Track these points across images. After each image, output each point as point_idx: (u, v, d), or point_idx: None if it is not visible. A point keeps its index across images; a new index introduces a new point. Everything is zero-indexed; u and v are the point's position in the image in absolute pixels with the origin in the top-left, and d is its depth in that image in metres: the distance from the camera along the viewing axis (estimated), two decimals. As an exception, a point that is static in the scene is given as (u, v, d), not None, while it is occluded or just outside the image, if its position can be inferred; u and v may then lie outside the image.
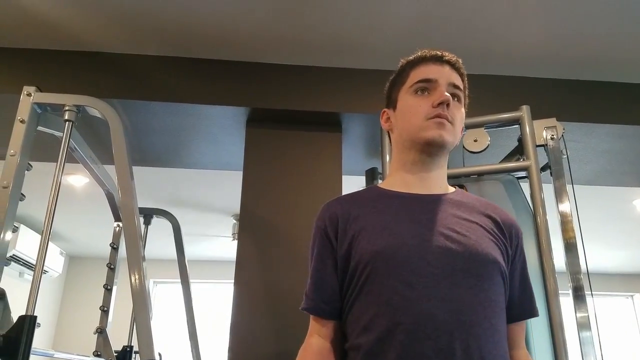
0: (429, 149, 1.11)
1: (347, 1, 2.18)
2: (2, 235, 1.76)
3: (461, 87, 1.16)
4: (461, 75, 1.18)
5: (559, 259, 1.84)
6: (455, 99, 1.13)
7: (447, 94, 1.10)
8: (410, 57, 1.20)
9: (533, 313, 1.13)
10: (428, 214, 1.07)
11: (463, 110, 1.16)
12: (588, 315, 1.85)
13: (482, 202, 1.17)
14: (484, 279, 1.00)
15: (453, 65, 1.16)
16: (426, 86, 1.13)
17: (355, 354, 1.00)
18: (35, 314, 1.70)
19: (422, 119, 1.10)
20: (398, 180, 1.16)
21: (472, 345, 0.93)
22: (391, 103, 1.22)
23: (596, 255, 5.54)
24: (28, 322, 1.65)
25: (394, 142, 1.21)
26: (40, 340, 1.54)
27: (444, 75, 1.13)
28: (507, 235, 1.11)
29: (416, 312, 0.95)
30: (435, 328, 0.93)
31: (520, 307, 1.11)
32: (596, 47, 2.43)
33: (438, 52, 1.16)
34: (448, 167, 2.02)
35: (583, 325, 1.84)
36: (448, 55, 1.16)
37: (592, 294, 1.97)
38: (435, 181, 1.15)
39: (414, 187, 1.13)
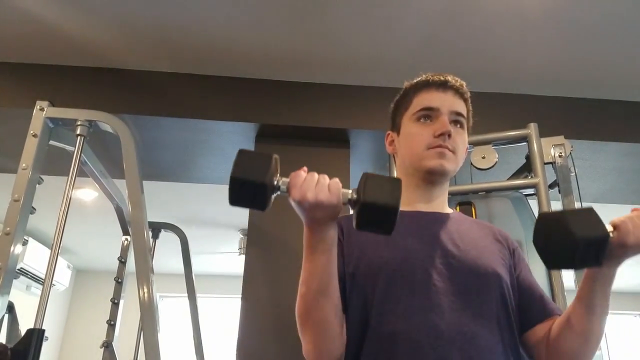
0: (430, 177, 1.13)
1: (356, 20, 2.21)
2: (12, 249, 1.77)
3: (464, 113, 1.16)
4: (465, 100, 1.18)
5: (568, 277, 1.83)
6: (458, 126, 1.14)
7: (448, 125, 1.11)
8: (414, 81, 1.20)
9: (554, 311, 1.08)
10: (431, 229, 1.10)
11: (465, 135, 1.17)
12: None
13: (479, 223, 1.21)
14: (486, 292, 1.02)
15: (457, 91, 1.16)
16: (429, 114, 1.14)
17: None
18: (43, 328, 1.70)
19: (424, 148, 1.11)
20: (402, 200, 1.17)
21: (473, 357, 0.94)
22: (395, 127, 1.23)
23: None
24: (36, 336, 1.65)
25: (398, 166, 1.23)
26: (45, 353, 1.55)
27: (447, 103, 1.13)
28: (504, 245, 1.14)
29: (418, 321, 0.96)
30: (437, 338, 0.94)
31: (537, 309, 1.08)
32: (604, 65, 2.44)
33: (442, 77, 1.16)
34: (456, 184, 2.05)
35: (593, 345, 1.82)
36: (452, 81, 1.16)
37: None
38: (437, 203, 1.17)
39: (418, 206, 1.15)
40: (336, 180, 0.90)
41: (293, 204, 0.90)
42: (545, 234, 0.91)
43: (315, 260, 0.94)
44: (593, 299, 0.95)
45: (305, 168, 0.91)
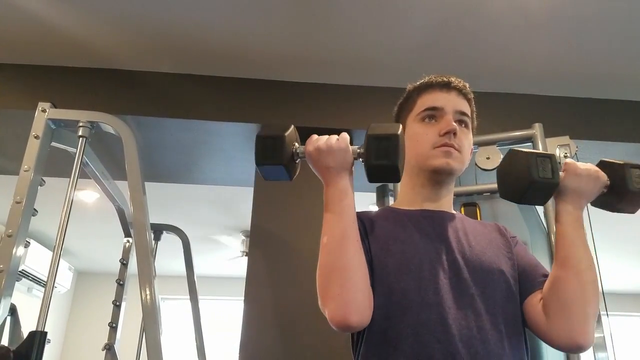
0: (437, 177, 1.14)
1: (359, 21, 2.20)
2: (14, 251, 1.76)
3: (468, 113, 1.17)
4: (468, 100, 1.19)
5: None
6: (463, 125, 1.15)
7: (453, 123, 1.11)
8: (417, 83, 1.21)
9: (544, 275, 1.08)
10: (438, 227, 1.11)
11: (470, 135, 1.18)
12: (604, 336, 1.82)
13: (482, 222, 1.23)
14: (492, 288, 1.03)
15: (460, 91, 1.17)
16: (433, 114, 1.14)
17: (365, 354, 1.00)
18: (45, 330, 1.69)
19: (429, 147, 1.12)
20: (409, 200, 1.19)
21: (480, 351, 0.94)
22: None
23: (611, 275, 5.46)
24: (38, 338, 1.64)
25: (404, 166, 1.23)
26: (47, 356, 1.56)
27: (451, 102, 1.14)
28: (506, 237, 1.15)
29: (426, 316, 0.97)
30: (444, 332, 0.95)
31: (531, 280, 1.08)
32: (610, 64, 2.43)
33: (444, 78, 1.17)
34: (461, 185, 2.03)
35: (599, 346, 1.81)
36: (455, 81, 1.17)
37: (607, 314, 1.94)
38: (443, 202, 1.18)
39: (425, 205, 1.16)
40: (344, 133, 1.04)
41: (309, 160, 1.04)
42: (504, 178, 1.05)
43: (334, 208, 1.02)
44: (570, 237, 1.01)
45: None
